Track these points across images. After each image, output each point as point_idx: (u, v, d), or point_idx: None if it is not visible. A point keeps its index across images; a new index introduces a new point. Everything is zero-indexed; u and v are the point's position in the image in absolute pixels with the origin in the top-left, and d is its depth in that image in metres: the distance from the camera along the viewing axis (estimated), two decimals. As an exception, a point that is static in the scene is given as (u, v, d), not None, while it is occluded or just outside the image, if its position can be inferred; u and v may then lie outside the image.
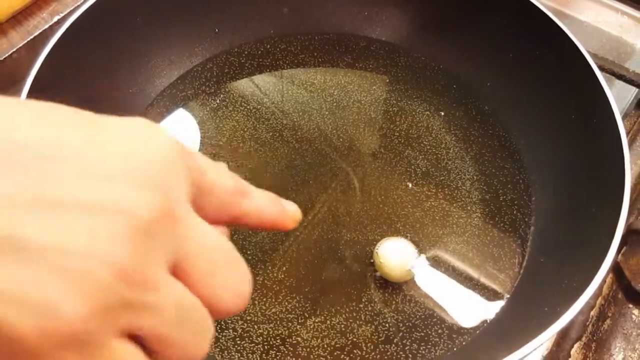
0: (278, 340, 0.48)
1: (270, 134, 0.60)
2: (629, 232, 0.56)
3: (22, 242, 0.17)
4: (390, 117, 0.62)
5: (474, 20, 0.63)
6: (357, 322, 0.49)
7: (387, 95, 0.64)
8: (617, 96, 0.52)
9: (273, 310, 0.49)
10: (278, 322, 0.49)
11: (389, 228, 0.54)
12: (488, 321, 0.50)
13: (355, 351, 0.48)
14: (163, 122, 0.60)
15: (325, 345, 0.48)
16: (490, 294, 0.51)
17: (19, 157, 0.18)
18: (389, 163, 0.59)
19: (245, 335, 0.48)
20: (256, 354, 0.47)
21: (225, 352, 0.47)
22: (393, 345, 0.48)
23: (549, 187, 0.56)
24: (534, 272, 0.52)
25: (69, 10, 0.65)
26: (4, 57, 0.60)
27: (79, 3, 0.65)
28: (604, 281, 0.54)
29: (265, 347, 0.48)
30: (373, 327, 0.49)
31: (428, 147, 0.60)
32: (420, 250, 0.53)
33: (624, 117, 0.64)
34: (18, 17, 0.64)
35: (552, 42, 0.56)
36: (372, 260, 0.52)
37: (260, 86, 0.64)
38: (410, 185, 0.57)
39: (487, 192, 0.57)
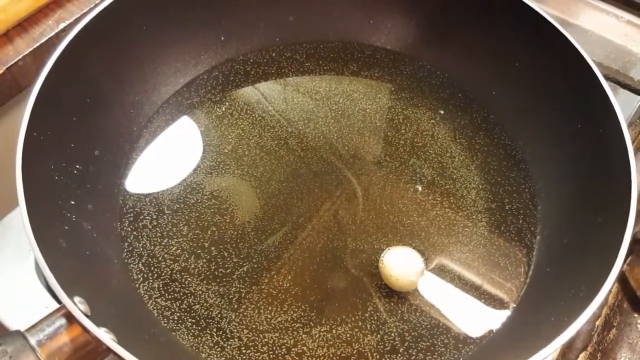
0: (284, 350, 0.48)
1: (276, 142, 0.60)
2: (634, 242, 0.56)
3: None
4: (396, 125, 0.62)
5: (478, 28, 0.63)
6: (363, 332, 0.49)
7: (392, 104, 0.64)
8: (622, 105, 0.52)
9: (278, 319, 0.49)
10: (283, 331, 0.49)
11: (394, 237, 0.54)
12: (494, 331, 0.50)
13: (361, 360, 0.48)
14: (168, 130, 0.60)
15: (331, 355, 0.48)
16: (497, 304, 0.51)
17: None
18: (394, 171, 0.59)
19: (250, 344, 0.48)
20: (262, 363, 0.47)
21: (231, 361, 0.47)
22: (399, 355, 0.48)
23: (555, 196, 0.56)
24: (540, 281, 0.52)
25: (74, 18, 0.65)
26: (10, 64, 0.60)
27: (84, 11, 0.65)
28: (609, 291, 0.54)
29: (271, 356, 0.48)
30: (379, 336, 0.49)
31: (433, 156, 0.60)
32: (426, 259, 0.53)
33: (629, 126, 0.64)
34: (24, 25, 0.64)
35: (557, 51, 0.56)
36: (377, 269, 0.52)
37: (266, 94, 0.64)
38: (416, 192, 0.57)
39: (492, 201, 0.57)
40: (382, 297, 0.51)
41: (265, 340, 0.48)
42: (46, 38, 0.63)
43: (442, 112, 0.63)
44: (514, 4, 0.58)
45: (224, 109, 0.62)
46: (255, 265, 0.52)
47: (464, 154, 0.60)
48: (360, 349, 0.48)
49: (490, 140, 0.61)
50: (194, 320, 0.49)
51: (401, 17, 0.67)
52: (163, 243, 0.53)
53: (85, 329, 0.38)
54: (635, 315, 0.55)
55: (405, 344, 0.49)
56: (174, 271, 0.51)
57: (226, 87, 0.64)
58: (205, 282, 0.51)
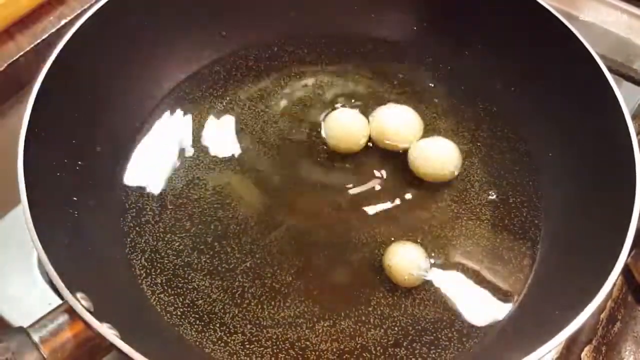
0: (287, 344, 0.48)
1: (278, 136, 0.60)
2: (639, 235, 0.56)
3: None
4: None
5: (482, 21, 0.62)
6: (366, 326, 0.49)
7: (395, 97, 0.63)
8: (626, 97, 0.51)
9: (282, 314, 0.49)
10: (287, 326, 0.49)
11: (397, 231, 0.54)
12: (498, 325, 0.50)
13: (364, 355, 0.48)
14: (170, 125, 0.60)
15: (334, 349, 0.48)
16: (501, 297, 0.51)
17: None
18: (397, 165, 0.58)
19: (254, 339, 0.48)
20: (265, 357, 0.47)
21: (235, 356, 0.47)
22: (402, 348, 0.48)
23: (559, 189, 0.55)
24: (544, 275, 0.51)
25: (75, 14, 0.65)
26: (12, 60, 0.61)
27: (85, 7, 0.65)
28: (614, 284, 0.54)
29: (274, 350, 0.48)
30: (382, 330, 0.49)
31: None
32: (429, 254, 0.53)
33: (633, 118, 0.63)
34: (25, 21, 0.64)
35: (561, 44, 0.56)
36: (380, 264, 0.52)
37: (268, 89, 0.64)
38: (419, 186, 0.57)
39: (496, 194, 0.57)
40: (385, 292, 0.51)
41: (269, 335, 0.48)
42: (47, 34, 0.63)
43: (445, 105, 0.63)
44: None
45: (225, 104, 0.62)
46: (258, 260, 0.52)
47: (467, 146, 0.60)
48: (363, 343, 0.48)
49: (494, 133, 0.61)
50: (197, 316, 0.49)
51: (403, 10, 0.67)
52: (166, 238, 0.53)
53: (88, 325, 0.38)
54: (640, 308, 0.55)
55: (409, 338, 0.49)
56: (177, 266, 0.51)
57: (228, 82, 0.64)
58: (208, 277, 0.51)
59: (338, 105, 0.62)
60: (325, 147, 0.59)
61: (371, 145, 0.60)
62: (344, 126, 0.60)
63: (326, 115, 0.61)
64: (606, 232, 0.46)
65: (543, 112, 0.59)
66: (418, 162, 0.57)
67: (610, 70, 0.53)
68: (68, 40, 0.51)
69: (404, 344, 0.48)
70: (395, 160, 0.58)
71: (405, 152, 0.58)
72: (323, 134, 0.60)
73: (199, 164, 0.58)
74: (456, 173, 0.57)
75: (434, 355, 0.48)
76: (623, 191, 0.46)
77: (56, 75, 0.49)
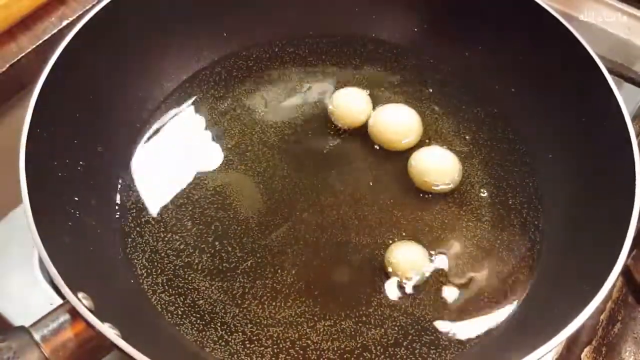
0: (288, 344, 0.48)
1: (279, 137, 0.60)
2: (638, 235, 0.56)
3: None
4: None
5: (482, 22, 0.62)
6: (367, 326, 0.49)
7: (395, 98, 0.63)
8: (626, 98, 0.51)
9: (283, 313, 0.49)
10: (288, 325, 0.49)
11: (398, 232, 0.54)
12: (498, 325, 0.50)
13: (364, 354, 0.48)
14: (171, 125, 0.60)
15: (335, 349, 0.48)
16: (501, 298, 0.51)
17: None
18: (397, 166, 0.58)
19: (254, 338, 0.48)
20: (266, 357, 0.47)
21: (235, 355, 0.47)
22: (402, 348, 0.48)
23: (559, 190, 0.55)
24: (544, 275, 0.52)
25: (77, 15, 0.65)
26: (13, 61, 0.61)
27: (87, 7, 0.65)
28: (613, 285, 0.54)
29: (275, 350, 0.48)
30: (383, 330, 0.49)
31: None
32: (430, 254, 0.53)
33: (633, 119, 0.64)
34: (27, 22, 0.64)
35: (561, 45, 0.56)
36: (381, 264, 0.52)
37: (268, 90, 0.64)
38: (419, 187, 0.57)
39: (496, 195, 0.57)
40: (385, 292, 0.51)
41: (270, 334, 0.48)
42: (49, 35, 0.63)
43: (445, 106, 0.63)
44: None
45: (226, 105, 0.62)
46: (259, 260, 0.52)
47: (467, 148, 0.60)
48: (364, 342, 0.48)
49: (494, 134, 0.61)
50: (198, 315, 0.49)
51: (404, 11, 0.67)
52: (166, 238, 0.53)
53: (89, 324, 0.38)
54: (640, 309, 0.55)
55: (409, 338, 0.49)
56: (178, 266, 0.51)
57: (229, 83, 0.64)
58: (209, 277, 0.51)
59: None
60: (326, 149, 0.59)
61: (377, 147, 0.60)
62: (350, 97, 0.62)
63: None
64: (606, 233, 0.46)
65: (543, 113, 0.59)
66: (417, 175, 0.57)
67: (611, 71, 0.53)
68: (69, 41, 0.51)
69: (404, 344, 0.48)
70: (396, 160, 0.59)
71: (406, 151, 0.59)
72: (329, 108, 0.61)
73: (199, 164, 0.58)
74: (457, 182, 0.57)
75: (434, 355, 0.48)
76: (623, 192, 0.46)
77: (57, 75, 0.49)
